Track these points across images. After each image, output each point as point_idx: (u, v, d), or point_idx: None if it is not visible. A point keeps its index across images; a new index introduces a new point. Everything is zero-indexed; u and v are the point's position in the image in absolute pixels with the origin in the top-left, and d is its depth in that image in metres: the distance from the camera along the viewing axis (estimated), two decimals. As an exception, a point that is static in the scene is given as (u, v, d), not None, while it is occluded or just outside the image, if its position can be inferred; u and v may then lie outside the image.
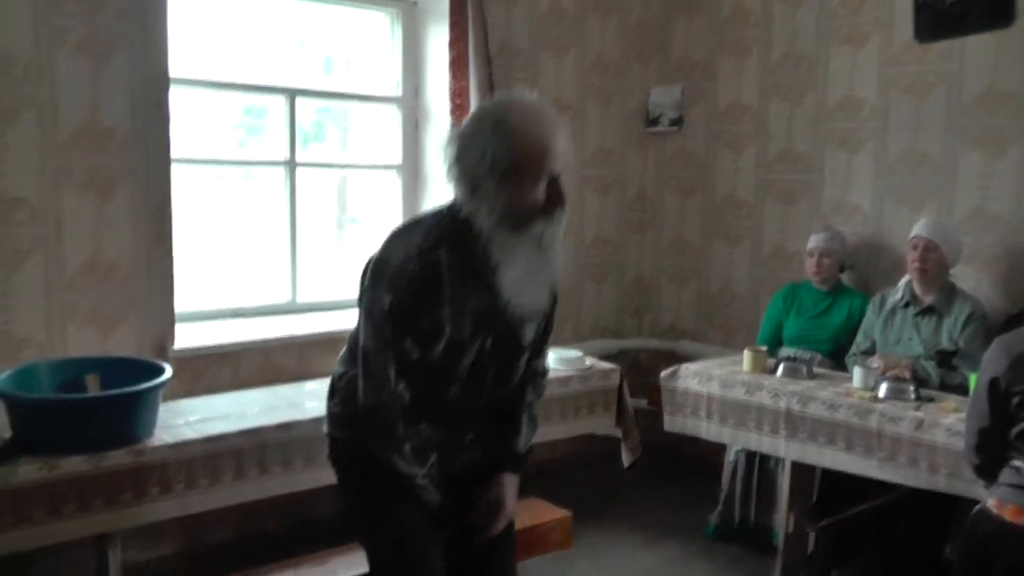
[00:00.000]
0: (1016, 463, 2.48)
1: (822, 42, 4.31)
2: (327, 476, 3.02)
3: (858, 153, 4.21)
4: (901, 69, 4.03)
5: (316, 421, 3.00)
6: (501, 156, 1.85)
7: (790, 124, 4.46)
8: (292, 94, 3.96)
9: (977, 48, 3.77)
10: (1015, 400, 2.46)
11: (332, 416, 2.18)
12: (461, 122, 2.01)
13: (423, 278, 1.88)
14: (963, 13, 3.74)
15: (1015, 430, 2.47)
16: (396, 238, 1.99)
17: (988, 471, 2.58)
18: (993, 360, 2.53)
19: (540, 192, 1.88)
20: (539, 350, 2.23)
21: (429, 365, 1.95)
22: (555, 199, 1.90)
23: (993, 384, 2.50)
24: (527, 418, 2.22)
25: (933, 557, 3.38)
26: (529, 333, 2.10)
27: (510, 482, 2.16)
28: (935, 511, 3.31)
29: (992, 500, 2.51)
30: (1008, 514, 2.44)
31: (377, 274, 1.94)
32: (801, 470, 3.52)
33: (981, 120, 3.79)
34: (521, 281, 1.93)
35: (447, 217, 1.97)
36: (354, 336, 2.10)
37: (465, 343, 1.97)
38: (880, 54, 4.09)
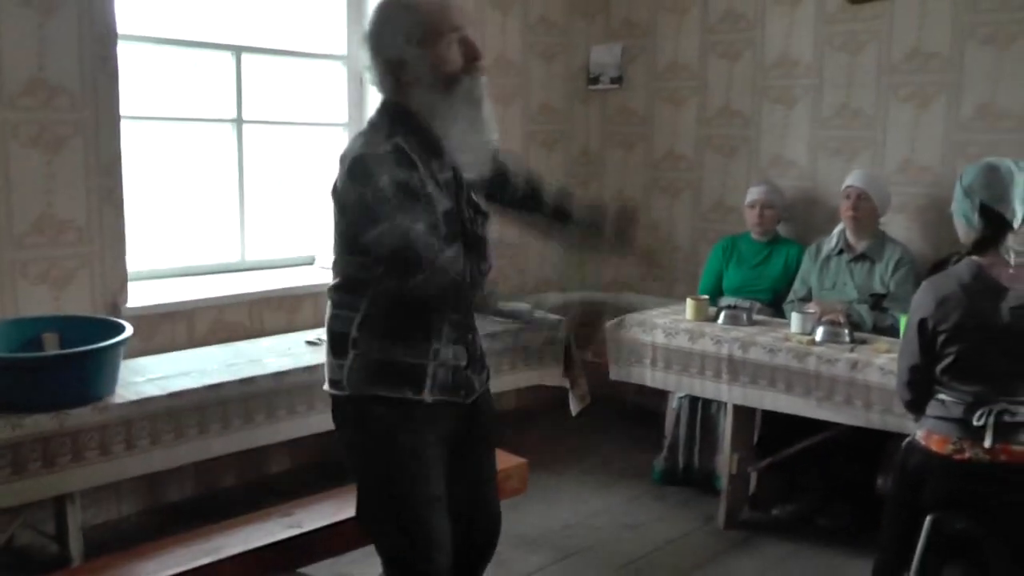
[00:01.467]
0: (941, 396, 2.63)
1: (759, 2, 4.42)
2: (286, 430, 3.14)
3: (794, 109, 4.35)
4: (835, 28, 4.17)
5: (276, 376, 3.09)
6: (413, 26, 2.01)
7: (729, 81, 4.59)
8: (238, 51, 3.95)
9: (904, 9, 3.94)
10: (941, 338, 2.60)
11: (350, 372, 2.09)
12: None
13: (399, 157, 1.99)
14: (892, -26, 3.90)
15: (941, 366, 2.62)
16: (355, 144, 2.06)
17: (918, 405, 2.73)
18: (922, 302, 2.68)
19: (456, 50, 2.03)
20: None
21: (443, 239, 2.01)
22: (471, 54, 2.05)
23: (922, 324, 2.64)
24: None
25: (867, 488, 3.58)
26: (482, 200, 2.19)
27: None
28: (867, 445, 3.50)
29: (920, 432, 2.68)
30: (934, 444, 2.60)
31: (361, 171, 1.97)
32: (742, 413, 3.68)
33: (909, 76, 3.96)
34: (464, 138, 2.05)
35: (385, 116, 2.09)
36: (345, 272, 2.11)
37: (454, 212, 2.05)
38: (815, 14, 4.23)
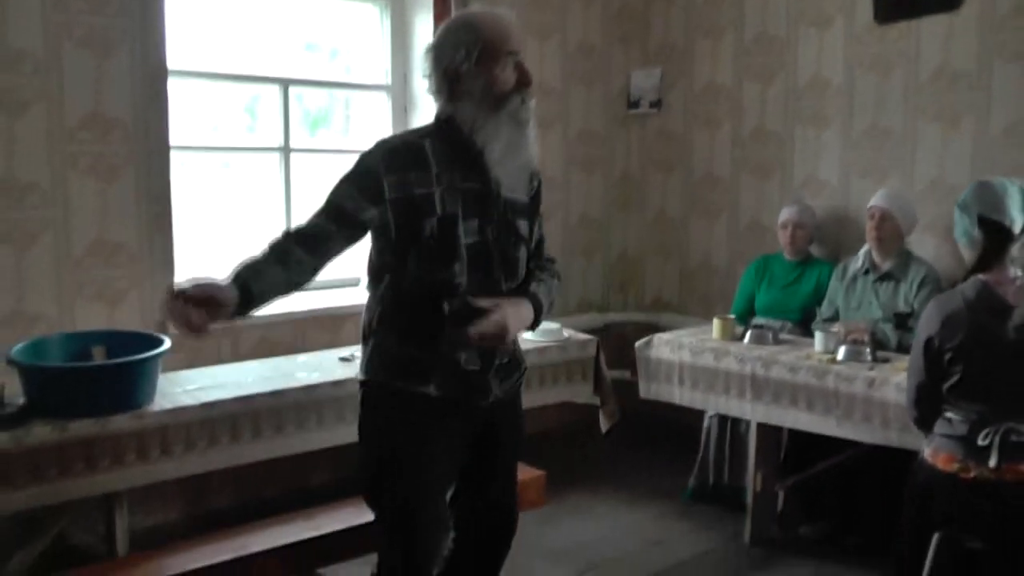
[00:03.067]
0: (948, 415, 2.66)
1: (791, 24, 4.49)
2: (317, 439, 3.31)
3: (825, 130, 4.40)
4: (863, 49, 4.22)
5: (307, 389, 3.26)
6: (473, 43, 2.16)
7: (762, 103, 4.65)
8: (286, 84, 4.19)
9: (930, 29, 3.97)
10: (947, 356, 2.63)
11: (368, 359, 2.29)
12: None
13: (409, 152, 2.18)
14: (918, -4, 3.94)
15: (947, 384, 2.65)
16: (377, 142, 2.26)
17: (926, 423, 2.76)
18: (928, 320, 2.71)
19: (510, 72, 2.19)
20: (539, 248, 2.43)
21: (427, 242, 2.16)
22: (523, 78, 2.21)
23: (928, 342, 2.67)
24: (547, 275, 2.41)
25: (894, 506, 3.57)
26: (523, 226, 2.31)
27: (519, 302, 2.27)
28: (894, 463, 3.50)
29: (928, 450, 2.70)
30: (940, 462, 2.63)
31: (362, 154, 2.22)
32: (767, 431, 3.73)
33: (936, 96, 3.98)
34: (504, 156, 2.19)
35: (428, 125, 2.29)
36: (369, 258, 2.32)
37: (457, 220, 2.18)
38: (844, 35, 4.27)
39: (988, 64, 3.80)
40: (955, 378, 2.63)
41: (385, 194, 2.14)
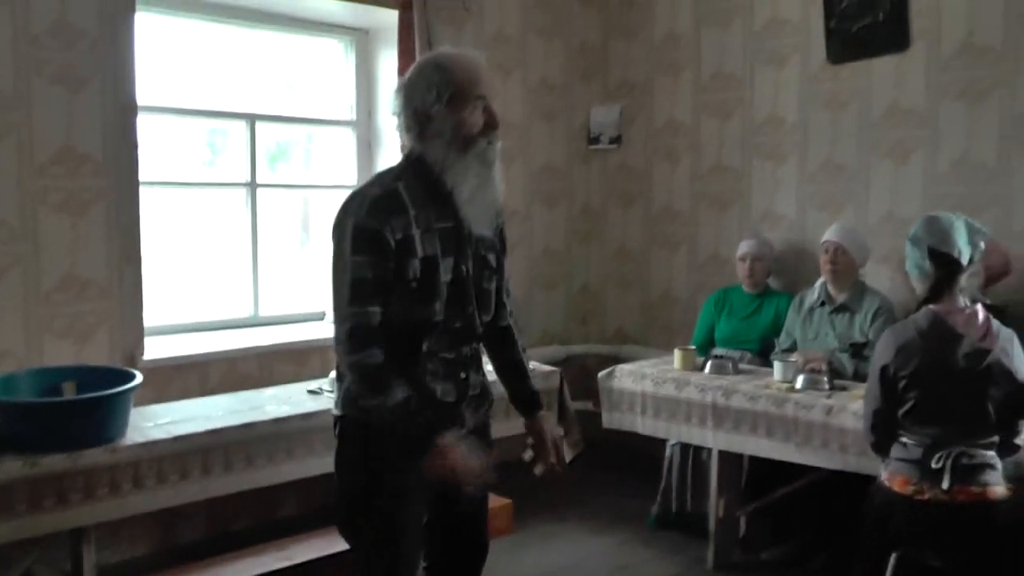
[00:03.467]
0: (903, 439, 2.78)
1: (747, 63, 4.65)
2: (287, 472, 3.33)
3: (782, 165, 4.54)
4: (818, 87, 4.38)
5: (276, 422, 3.29)
6: (444, 86, 2.21)
7: (720, 138, 4.79)
8: (252, 119, 4.24)
9: (882, 69, 4.14)
10: (901, 384, 2.75)
11: (344, 394, 2.31)
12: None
13: (388, 199, 2.20)
14: (868, 38, 4.12)
15: (902, 410, 2.77)
16: (349, 196, 2.29)
17: (882, 447, 2.87)
18: (883, 349, 2.83)
19: (479, 115, 2.24)
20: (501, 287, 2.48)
21: (409, 283, 2.20)
22: (490, 121, 2.26)
23: (884, 370, 2.79)
24: (517, 334, 2.52)
25: (854, 528, 3.67)
26: (492, 259, 2.38)
27: (548, 417, 2.50)
28: (854, 486, 3.59)
29: (885, 473, 2.82)
30: (897, 485, 2.74)
31: (343, 208, 2.24)
32: (728, 458, 3.81)
33: (888, 132, 4.15)
34: (473, 196, 2.24)
35: (403, 163, 2.32)
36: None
37: (438, 260, 2.23)
38: (799, 74, 4.44)
39: (935, 103, 3.98)
40: (909, 404, 2.74)
41: (392, 243, 2.17)
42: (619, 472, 4.89)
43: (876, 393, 2.84)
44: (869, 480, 3.38)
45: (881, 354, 2.84)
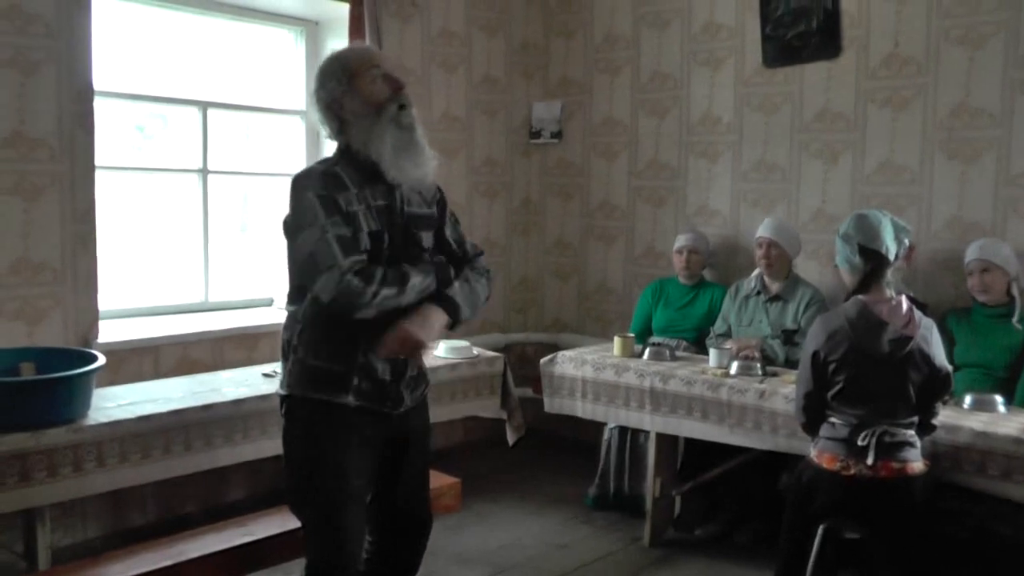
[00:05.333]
0: (832, 419, 2.99)
1: (685, 64, 4.85)
2: (243, 453, 3.40)
3: (716, 163, 4.76)
4: (752, 90, 4.61)
5: (234, 403, 3.36)
6: (341, 70, 2.39)
7: (657, 136, 4.99)
8: (204, 106, 4.27)
9: (813, 74, 4.38)
10: (831, 367, 2.97)
11: (288, 374, 2.42)
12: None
13: (332, 177, 2.34)
14: (802, 45, 4.36)
15: (831, 392, 2.98)
16: (299, 175, 2.42)
17: (812, 427, 3.09)
18: (815, 336, 3.05)
19: (380, 84, 2.39)
20: (462, 247, 2.59)
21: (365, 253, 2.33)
22: (394, 84, 2.40)
23: (815, 355, 3.01)
24: (474, 274, 2.54)
25: (777, 503, 3.91)
26: (426, 237, 2.49)
27: (422, 310, 2.36)
28: (778, 469, 3.83)
29: (814, 451, 3.03)
30: (825, 462, 2.96)
31: (294, 187, 2.36)
32: (664, 441, 4.00)
33: (819, 135, 4.39)
34: (397, 157, 2.36)
35: (336, 152, 2.46)
36: (290, 283, 2.46)
37: (383, 235, 2.36)
38: (734, 76, 4.66)
39: (863, 108, 4.24)
40: (838, 387, 2.97)
41: (343, 209, 2.31)
42: (557, 456, 5.07)
43: (807, 376, 3.05)
44: (787, 462, 3.64)
45: (812, 340, 3.05)
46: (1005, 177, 3.89)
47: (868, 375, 2.93)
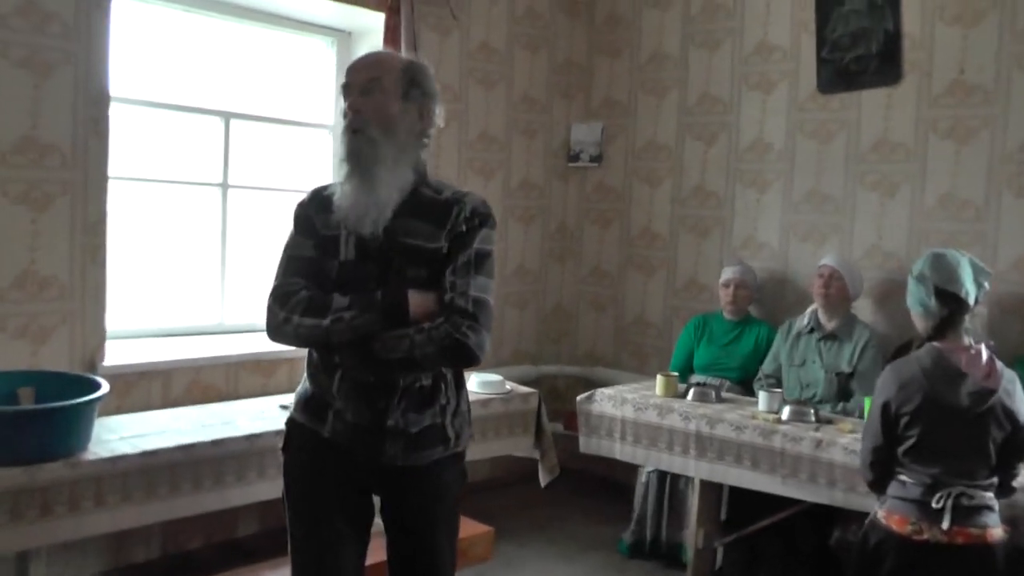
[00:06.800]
0: (902, 477, 2.72)
1: (735, 87, 4.60)
2: (256, 492, 3.15)
3: (766, 192, 4.50)
4: (806, 116, 4.35)
5: (248, 438, 3.11)
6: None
7: (703, 162, 4.74)
8: (227, 117, 4.06)
9: (871, 101, 4.12)
10: (903, 421, 2.70)
11: (296, 395, 2.31)
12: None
13: (324, 198, 2.16)
14: (860, 70, 4.10)
15: (902, 448, 2.71)
16: None
17: (880, 485, 2.81)
18: (885, 385, 2.78)
19: (345, 106, 2.13)
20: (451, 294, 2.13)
21: (331, 286, 2.11)
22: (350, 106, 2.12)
23: (885, 407, 2.74)
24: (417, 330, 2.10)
25: (826, 556, 3.64)
26: (420, 273, 2.12)
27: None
28: (825, 515, 3.56)
29: (881, 511, 2.75)
30: (895, 523, 2.68)
31: None
32: (709, 488, 3.73)
33: (876, 165, 4.13)
34: (346, 198, 2.09)
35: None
36: None
37: (356, 266, 2.12)
38: (787, 101, 4.40)
39: (924, 138, 3.97)
40: (911, 441, 2.69)
41: (319, 231, 2.15)
42: (588, 497, 4.80)
43: (877, 429, 2.78)
44: (838, 516, 3.37)
45: (882, 390, 2.78)
46: (1081, 216, 3.61)
47: (944, 430, 2.65)
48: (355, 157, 2.08)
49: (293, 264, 2.14)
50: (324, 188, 2.22)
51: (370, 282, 2.10)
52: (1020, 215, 3.74)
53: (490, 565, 3.74)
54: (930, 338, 2.76)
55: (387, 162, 2.10)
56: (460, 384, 2.27)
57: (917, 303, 2.81)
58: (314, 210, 2.16)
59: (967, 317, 2.75)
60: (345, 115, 2.12)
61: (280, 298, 2.10)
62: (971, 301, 2.74)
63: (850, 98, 4.17)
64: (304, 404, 2.23)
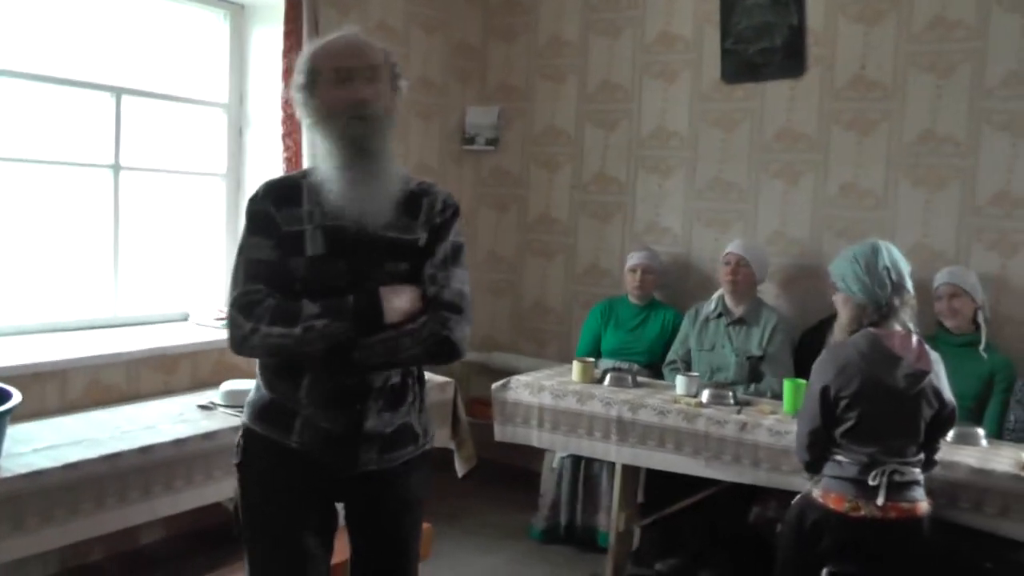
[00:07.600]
0: (838, 457, 2.83)
1: (636, 75, 4.64)
2: (186, 501, 2.94)
3: (669, 178, 4.58)
4: (709, 105, 4.45)
5: (175, 443, 2.89)
6: (304, 66, 2.04)
7: (604, 149, 4.76)
8: (119, 92, 3.73)
9: (775, 92, 4.26)
10: (842, 403, 2.81)
11: (249, 403, 2.15)
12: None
13: (285, 189, 2.05)
14: (765, 62, 4.23)
15: (840, 430, 2.82)
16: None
17: (815, 466, 2.92)
18: (823, 370, 2.88)
19: (339, 91, 1.99)
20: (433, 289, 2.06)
21: (294, 285, 1.98)
22: (349, 96, 1.99)
23: (824, 391, 2.83)
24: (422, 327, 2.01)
25: (744, 535, 3.75)
26: (400, 267, 2.04)
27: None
28: (742, 494, 3.66)
29: (817, 491, 2.86)
30: (831, 502, 2.80)
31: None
32: (628, 472, 3.76)
33: (779, 154, 4.27)
34: (351, 188, 1.97)
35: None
36: None
37: (323, 259, 2.00)
38: (690, 90, 4.48)
39: (827, 129, 4.14)
40: (849, 423, 2.80)
41: (280, 227, 2.00)
42: (492, 486, 4.74)
43: (815, 412, 2.88)
44: (756, 495, 3.49)
45: (821, 374, 2.88)
46: (971, 207, 3.86)
47: (881, 411, 2.78)
48: (361, 146, 1.96)
49: (252, 268, 1.98)
50: (282, 179, 2.09)
51: (340, 279, 1.98)
52: (916, 204, 3.96)
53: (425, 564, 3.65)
54: (872, 324, 2.87)
55: (389, 152, 2.03)
56: (423, 379, 2.19)
57: (862, 292, 2.89)
58: (273, 205, 2.00)
59: (903, 306, 2.89)
60: (335, 102, 1.97)
61: (243, 308, 1.94)
62: (912, 290, 2.89)
63: (754, 89, 4.30)
64: (261, 413, 2.07)
